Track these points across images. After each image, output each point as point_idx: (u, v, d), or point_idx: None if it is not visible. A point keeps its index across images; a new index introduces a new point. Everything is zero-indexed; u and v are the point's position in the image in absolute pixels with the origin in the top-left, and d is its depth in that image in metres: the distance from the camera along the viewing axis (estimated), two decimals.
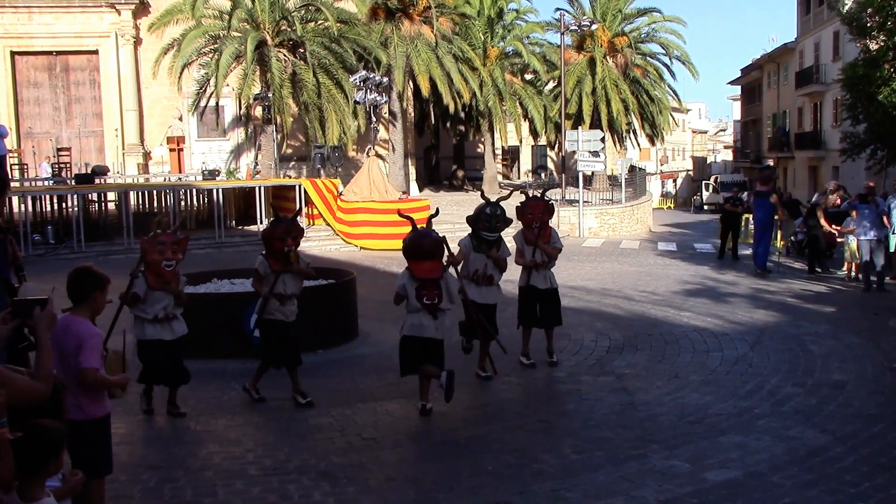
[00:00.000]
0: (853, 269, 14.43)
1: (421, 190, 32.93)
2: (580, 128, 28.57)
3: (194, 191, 22.59)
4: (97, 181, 22.18)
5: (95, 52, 30.84)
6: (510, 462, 5.77)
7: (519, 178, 48.10)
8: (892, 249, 14.10)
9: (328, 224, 20.67)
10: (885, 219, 13.65)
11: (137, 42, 30.41)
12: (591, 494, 5.15)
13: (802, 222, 16.91)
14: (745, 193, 20.46)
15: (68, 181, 22.82)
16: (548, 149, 45.37)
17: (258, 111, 26.42)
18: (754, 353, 8.79)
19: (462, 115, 33.72)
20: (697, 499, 5.04)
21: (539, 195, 8.38)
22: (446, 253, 7.06)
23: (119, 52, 30.40)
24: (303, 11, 26.16)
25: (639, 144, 40.65)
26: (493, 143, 35.60)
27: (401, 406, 7.21)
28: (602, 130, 28.74)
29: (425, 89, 28.23)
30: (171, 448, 6.27)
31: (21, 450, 3.02)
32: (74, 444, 3.97)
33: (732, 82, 61.52)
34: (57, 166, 25.90)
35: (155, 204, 22.49)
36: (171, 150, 31.05)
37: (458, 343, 8.20)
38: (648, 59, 36.34)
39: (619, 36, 34.31)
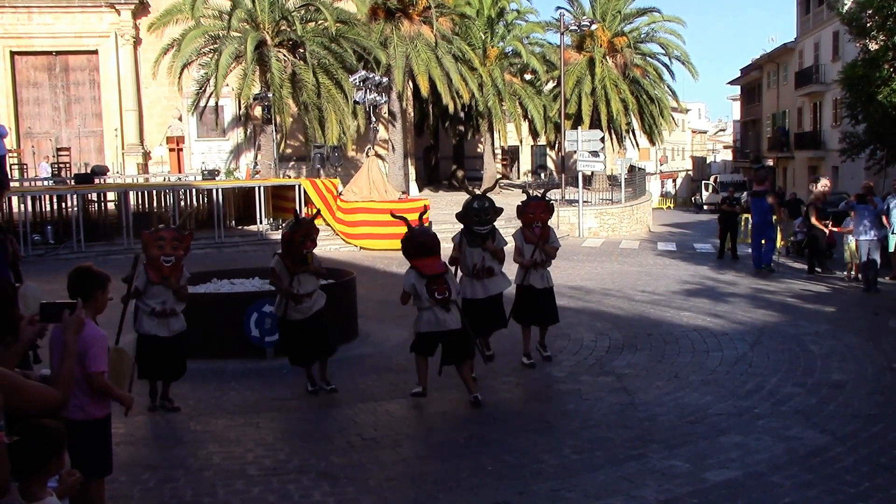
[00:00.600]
0: (853, 269, 14.44)
1: (420, 190, 32.91)
2: (580, 128, 28.58)
3: (194, 191, 22.59)
4: (97, 181, 22.21)
5: (95, 52, 30.84)
6: (510, 462, 5.77)
7: (519, 178, 48.09)
8: (891, 249, 14.11)
9: (328, 224, 20.66)
10: (883, 218, 13.65)
11: (137, 42, 30.41)
12: (591, 494, 5.15)
13: (802, 222, 16.91)
14: (744, 193, 20.49)
15: (68, 181, 22.84)
16: (547, 149, 45.37)
17: (258, 111, 26.42)
18: (754, 353, 8.79)
19: (462, 115, 33.72)
20: (697, 499, 5.04)
21: (540, 195, 8.41)
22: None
23: (119, 52, 30.39)
24: (302, 11, 26.16)
25: (638, 144, 40.66)
26: (492, 144, 35.60)
27: (401, 406, 7.21)
28: (602, 130, 28.75)
29: (425, 89, 28.23)
30: (171, 448, 6.27)
31: (22, 450, 3.01)
32: (75, 444, 3.96)
33: (732, 82, 61.50)
34: (56, 166, 25.92)
35: (155, 204, 22.50)
36: (170, 150, 31.07)
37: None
38: (648, 59, 36.33)
39: (618, 36, 34.30)
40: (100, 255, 17.48)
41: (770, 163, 45.77)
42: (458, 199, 32.63)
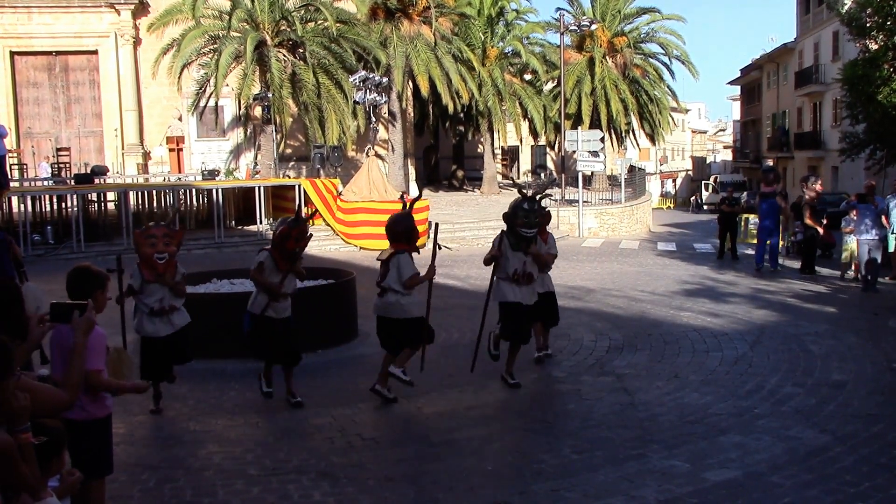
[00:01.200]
0: (853, 268, 14.42)
1: (420, 190, 32.91)
2: (580, 128, 28.59)
3: (194, 191, 22.59)
4: (97, 181, 22.20)
5: (95, 53, 30.82)
6: (510, 462, 5.77)
7: (518, 177, 48.08)
8: (891, 249, 14.11)
9: (328, 224, 20.66)
10: (883, 218, 13.65)
11: (137, 42, 30.40)
12: (591, 494, 5.15)
13: (801, 223, 16.90)
14: (744, 193, 20.50)
15: (68, 181, 22.83)
16: (547, 149, 45.36)
17: (258, 111, 26.41)
18: (754, 353, 8.79)
19: (461, 115, 33.70)
20: (697, 499, 5.04)
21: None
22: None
23: (118, 52, 30.38)
24: (302, 11, 26.15)
25: (638, 144, 40.66)
26: (492, 143, 35.59)
27: (401, 406, 7.21)
28: (601, 130, 28.77)
29: (424, 89, 28.23)
30: (171, 448, 6.26)
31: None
32: (75, 444, 3.97)
33: (732, 82, 61.55)
34: (56, 166, 25.91)
35: (155, 204, 22.50)
36: (170, 150, 31.06)
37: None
38: (648, 58, 36.34)
39: (618, 36, 34.31)
40: (100, 256, 17.48)
41: (770, 163, 45.76)
42: (458, 200, 32.52)
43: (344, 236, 20.44)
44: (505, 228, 7.58)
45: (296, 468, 5.69)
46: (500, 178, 40.23)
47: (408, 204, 7.64)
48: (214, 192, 21.00)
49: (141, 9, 30.19)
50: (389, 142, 29.16)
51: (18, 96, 30.59)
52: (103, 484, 4.48)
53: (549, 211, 8.49)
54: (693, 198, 56.45)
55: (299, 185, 20.71)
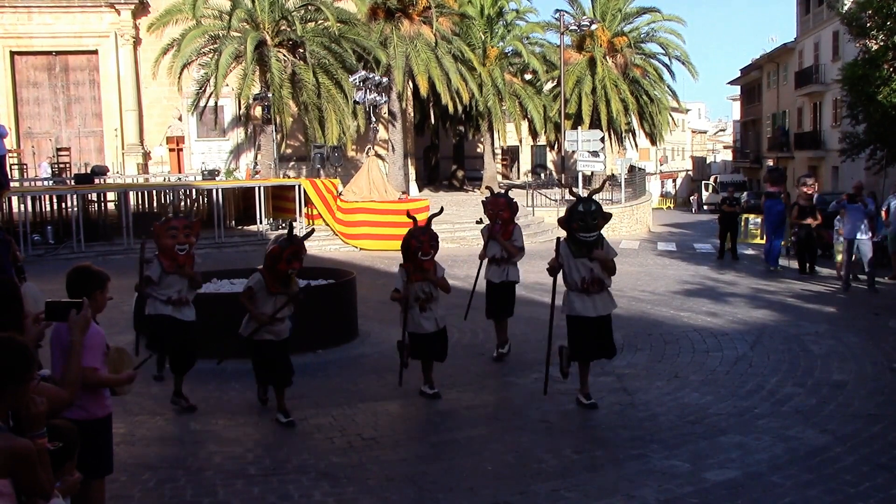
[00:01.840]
0: (837, 268, 14.44)
1: (420, 190, 32.92)
2: (580, 128, 28.60)
3: (194, 191, 22.58)
4: (97, 181, 22.19)
5: (95, 52, 30.81)
6: (510, 462, 5.77)
7: (518, 178, 48.09)
8: (891, 249, 14.11)
9: (328, 224, 20.65)
10: (883, 216, 13.66)
11: (137, 42, 30.38)
12: (591, 494, 5.15)
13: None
14: (744, 193, 20.51)
15: (68, 181, 22.83)
16: (547, 149, 45.37)
17: (258, 111, 26.38)
18: (754, 353, 8.79)
19: (461, 115, 33.71)
20: (697, 499, 5.04)
21: (503, 192, 8.49)
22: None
23: (119, 52, 30.37)
24: (302, 11, 26.14)
25: (638, 144, 40.67)
26: (492, 143, 35.60)
27: (401, 406, 7.22)
28: (601, 130, 28.77)
29: (424, 89, 28.23)
30: (171, 448, 6.27)
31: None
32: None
33: (732, 82, 61.50)
34: (56, 166, 25.91)
35: (155, 204, 22.49)
36: (170, 150, 31.04)
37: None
38: (648, 59, 36.37)
39: (618, 36, 34.32)
40: (100, 256, 17.47)
41: (770, 163, 45.76)
42: (458, 200, 32.51)
43: (343, 236, 20.42)
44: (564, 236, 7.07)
45: (296, 468, 5.69)
46: (500, 178, 40.24)
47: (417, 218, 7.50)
48: (214, 192, 20.99)
49: (141, 9, 30.18)
50: (389, 142, 29.16)
51: (18, 96, 30.57)
52: (103, 484, 4.48)
53: (515, 202, 8.57)
54: (693, 197, 56.43)
55: (299, 185, 20.71)
